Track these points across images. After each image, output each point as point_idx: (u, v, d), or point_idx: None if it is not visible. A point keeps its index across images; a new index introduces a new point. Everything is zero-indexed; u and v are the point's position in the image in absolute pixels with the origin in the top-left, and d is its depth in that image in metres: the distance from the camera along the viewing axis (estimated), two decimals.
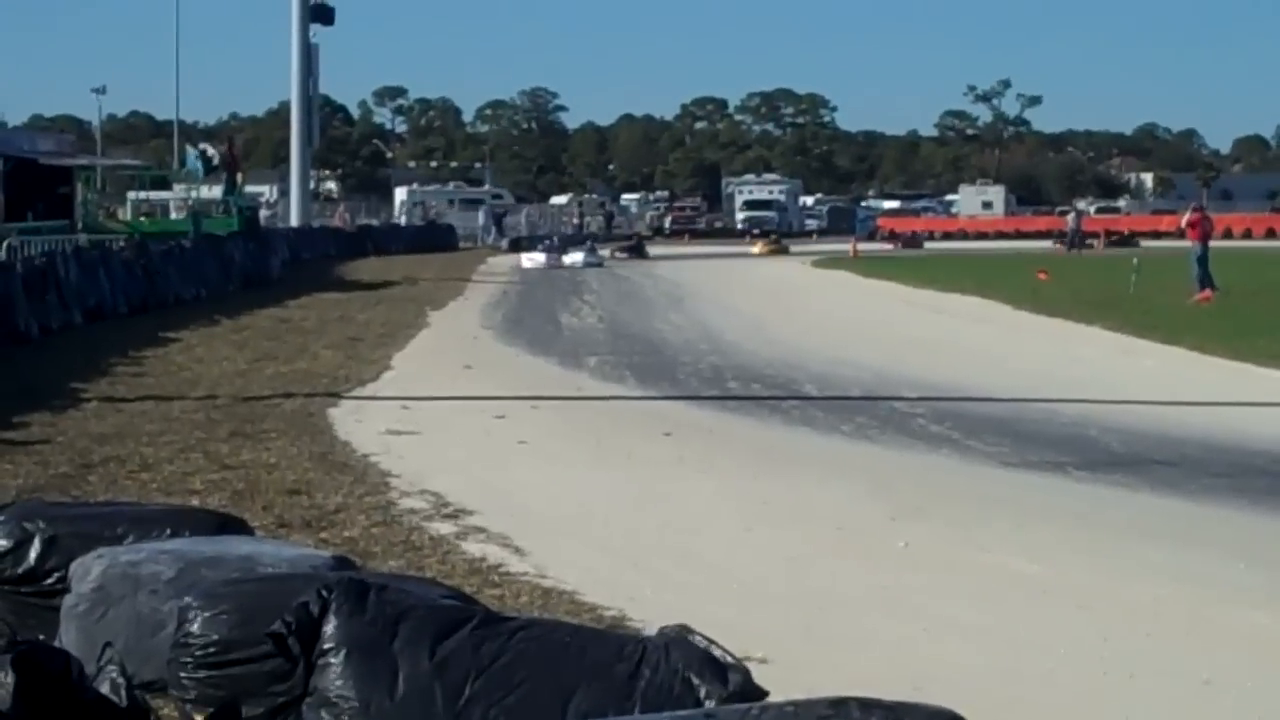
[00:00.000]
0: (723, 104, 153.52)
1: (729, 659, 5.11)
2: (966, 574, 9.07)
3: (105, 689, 4.63)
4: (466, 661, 5.20)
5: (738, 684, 4.97)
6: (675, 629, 5.28)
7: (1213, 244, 34.19)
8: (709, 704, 4.87)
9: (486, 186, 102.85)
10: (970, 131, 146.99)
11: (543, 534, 9.76)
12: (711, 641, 5.17)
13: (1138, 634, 7.86)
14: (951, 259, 54.98)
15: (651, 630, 5.72)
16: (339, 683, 5.28)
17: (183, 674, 5.65)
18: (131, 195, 50.15)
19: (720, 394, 18.11)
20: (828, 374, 19.61)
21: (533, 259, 49.96)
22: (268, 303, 30.33)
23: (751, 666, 5.49)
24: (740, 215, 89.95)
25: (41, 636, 6.16)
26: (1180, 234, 35.25)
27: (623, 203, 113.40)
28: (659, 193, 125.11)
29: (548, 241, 54.94)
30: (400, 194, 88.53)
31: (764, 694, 4.97)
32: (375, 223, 74.99)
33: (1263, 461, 13.09)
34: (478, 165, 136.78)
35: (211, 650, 5.59)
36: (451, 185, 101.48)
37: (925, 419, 15.58)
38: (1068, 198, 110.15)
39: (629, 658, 5.16)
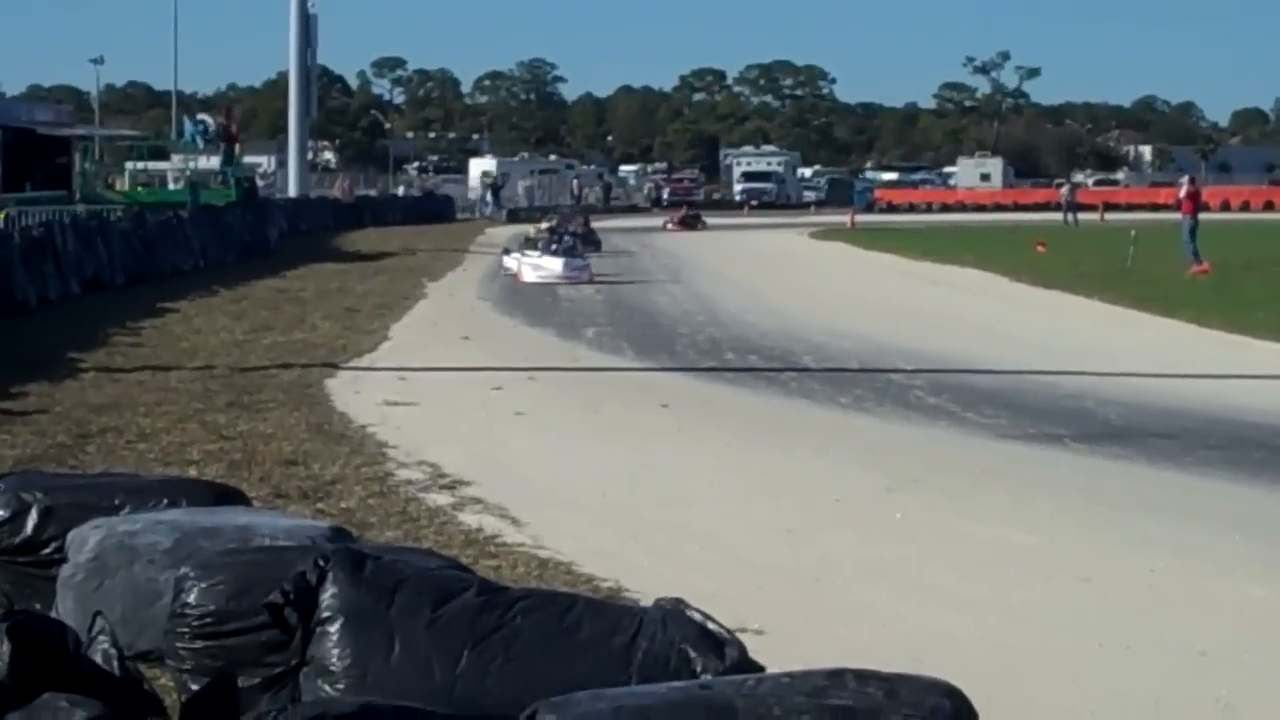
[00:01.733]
0: (721, 75, 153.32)
1: (724, 633, 5.11)
2: (963, 545, 9.08)
3: (97, 659, 4.61)
4: (463, 630, 5.19)
5: (734, 658, 4.96)
6: (671, 602, 5.28)
7: (1211, 217, 34.20)
8: (705, 677, 4.87)
9: (553, 158, 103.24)
10: (969, 103, 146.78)
11: (540, 505, 9.76)
12: (707, 616, 5.17)
13: (1134, 606, 7.87)
14: (949, 231, 54.89)
15: (648, 602, 5.72)
16: (336, 651, 5.27)
17: (179, 644, 5.65)
18: (129, 166, 50.05)
19: (718, 365, 18.09)
20: (825, 346, 19.60)
21: (540, 268, 30.45)
22: (265, 273, 30.31)
23: (748, 638, 5.50)
24: (738, 187, 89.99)
25: (38, 606, 6.16)
26: (1177, 207, 35.16)
27: (621, 174, 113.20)
28: (657, 164, 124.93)
29: (569, 236, 35.04)
30: (483, 164, 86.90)
31: (760, 668, 4.97)
32: (373, 193, 75.05)
33: (1260, 434, 13.07)
34: (475, 136, 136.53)
35: (208, 620, 5.59)
36: (525, 156, 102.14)
37: (923, 391, 15.57)
38: (1066, 170, 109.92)
39: (626, 630, 5.15)
